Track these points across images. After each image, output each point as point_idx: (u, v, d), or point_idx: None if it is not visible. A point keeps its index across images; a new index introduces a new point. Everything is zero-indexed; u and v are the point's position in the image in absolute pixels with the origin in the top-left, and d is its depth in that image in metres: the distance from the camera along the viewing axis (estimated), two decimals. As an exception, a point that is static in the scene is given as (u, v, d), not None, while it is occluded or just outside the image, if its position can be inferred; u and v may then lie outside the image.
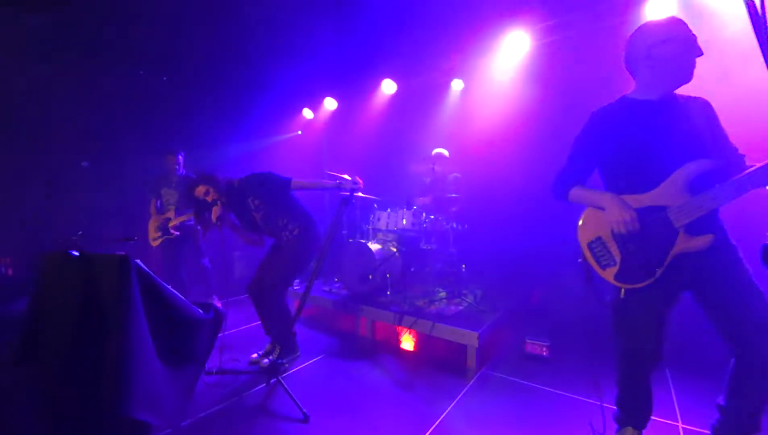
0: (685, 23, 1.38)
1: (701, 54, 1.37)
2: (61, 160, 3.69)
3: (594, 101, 1.58)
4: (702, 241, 1.34)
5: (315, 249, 2.63)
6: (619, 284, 1.46)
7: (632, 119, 1.45)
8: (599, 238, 1.50)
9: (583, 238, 1.54)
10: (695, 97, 1.46)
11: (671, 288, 1.45)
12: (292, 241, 2.57)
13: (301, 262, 2.61)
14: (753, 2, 0.71)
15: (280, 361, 2.42)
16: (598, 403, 1.85)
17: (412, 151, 4.48)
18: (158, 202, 3.53)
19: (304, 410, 2.02)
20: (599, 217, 1.49)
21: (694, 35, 1.37)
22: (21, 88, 3.39)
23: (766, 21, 0.72)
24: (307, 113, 5.42)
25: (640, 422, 1.62)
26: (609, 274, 1.48)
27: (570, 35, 3.36)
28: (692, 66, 1.38)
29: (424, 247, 3.54)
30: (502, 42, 3.63)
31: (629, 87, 1.55)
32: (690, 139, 1.37)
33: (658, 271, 1.39)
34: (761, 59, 0.85)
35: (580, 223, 1.56)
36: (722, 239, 1.39)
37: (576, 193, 1.57)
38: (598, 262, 1.50)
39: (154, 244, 3.48)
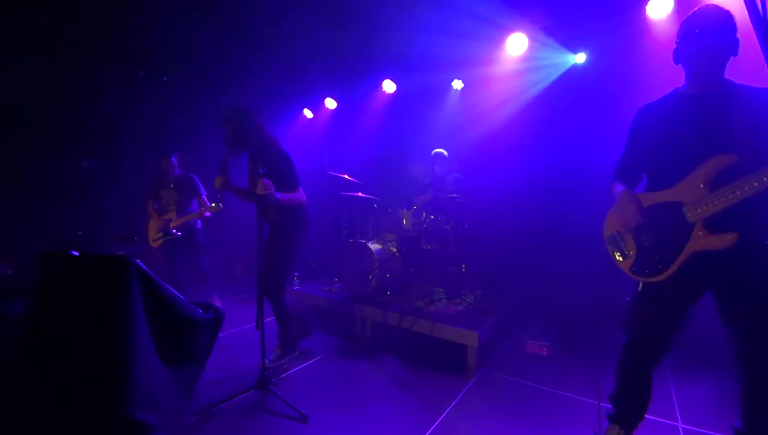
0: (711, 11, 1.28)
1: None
2: (62, 160, 3.69)
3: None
4: (723, 240, 1.25)
5: (306, 238, 2.60)
6: (634, 276, 1.50)
7: (667, 115, 1.41)
8: (619, 232, 1.57)
9: (606, 230, 1.63)
10: (758, 88, 1.30)
11: (691, 285, 1.41)
12: (285, 225, 2.52)
13: (292, 251, 2.56)
14: (753, 2, 0.71)
15: (275, 363, 2.48)
16: (597, 403, 1.84)
17: (412, 151, 4.48)
18: (155, 203, 3.52)
19: (303, 411, 2.02)
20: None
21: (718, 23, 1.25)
22: (21, 88, 3.38)
23: (766, 21, 0.72)
24: (307, 113, 5.42)
25: (629, 422, 1.60)
26: (625, 266, 1.53)
27: (570, 35, 3.36)
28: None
29: (424, 247, 3.54)
30: (502, 42, 3.63)
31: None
32: (728, 134, 1.26)
33: (672, 267, 1.38)
34: (762, 59, 0.84)
35: (607, 215, 1.65)
36: (753, 241, 1.27)
37: (613, 187, 1.62)
38: (615, 254, 1.58)
39: (155, 244, 3.47)
